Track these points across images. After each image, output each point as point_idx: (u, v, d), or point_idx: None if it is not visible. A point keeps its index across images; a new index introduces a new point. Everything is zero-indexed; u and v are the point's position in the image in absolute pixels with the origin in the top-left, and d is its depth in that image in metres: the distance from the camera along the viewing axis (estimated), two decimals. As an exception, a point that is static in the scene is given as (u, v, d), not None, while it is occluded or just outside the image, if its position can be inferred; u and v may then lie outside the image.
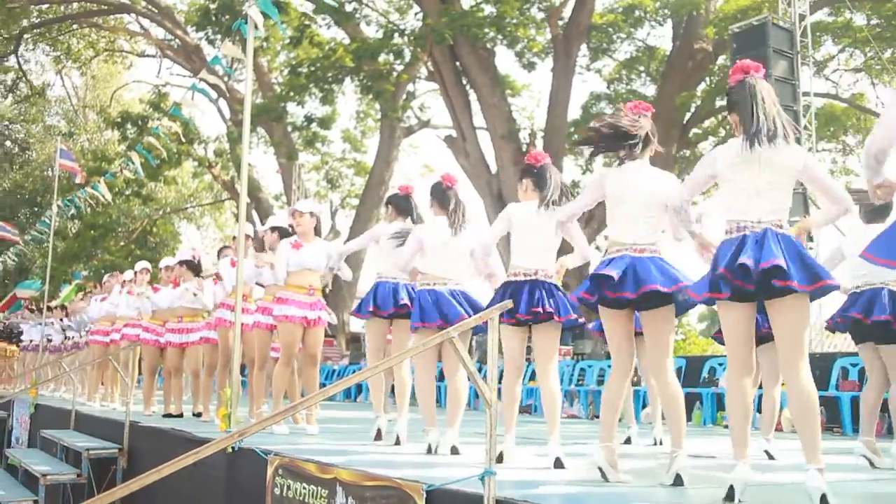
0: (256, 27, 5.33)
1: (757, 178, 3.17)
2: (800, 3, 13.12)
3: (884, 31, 17.39)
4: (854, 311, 4.80)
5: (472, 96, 20.41)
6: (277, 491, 3.86)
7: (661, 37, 24.76)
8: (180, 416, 7.78)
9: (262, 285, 7.24)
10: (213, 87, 20.49)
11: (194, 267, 8.12)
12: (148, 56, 30.23)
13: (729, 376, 3.22)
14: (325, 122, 23.45)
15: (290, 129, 23.52)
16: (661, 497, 3.25)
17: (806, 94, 13.03)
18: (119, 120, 24.81)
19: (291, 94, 21.46)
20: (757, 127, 3.18)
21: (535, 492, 3.25)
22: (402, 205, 5.68)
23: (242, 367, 6.95)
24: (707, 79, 19.72)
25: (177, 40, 25.23)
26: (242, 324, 7.01)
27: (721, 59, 19.00)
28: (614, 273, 3.51)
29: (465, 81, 20.39)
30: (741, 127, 3.28)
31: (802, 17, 13.12)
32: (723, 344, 3.49)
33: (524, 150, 19.79)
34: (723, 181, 3.28)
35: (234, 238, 7.34)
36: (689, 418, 7.77)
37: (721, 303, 3.22)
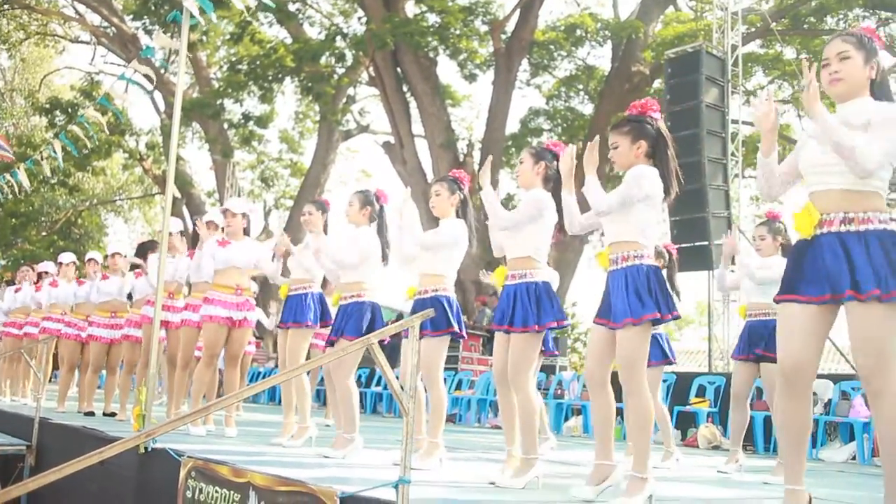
0: (193, 17, 5.22)
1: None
2: (733, 34, 13.54)
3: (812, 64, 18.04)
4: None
5: (413, 104, 20.44)
6: (189, 494, 3.77)
7: (600, 57, 25.21)
8: (112, 414, 7.58)
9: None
10: (148, 78, 20.02)
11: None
12: (82, 42, 29.34)
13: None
14: (263, 121, 23.15)
15: (226, 125, 23.15)
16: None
17: (735, 121, 13.44)
18: (48, 106, 24.02)
19: (229, 90, 21.14)
20: (673, 191, 3.56)
21: (450, 502, 3.26)
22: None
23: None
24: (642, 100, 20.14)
25: (113, 28, 24.58)
26: (170, 322, 6.90)
27: (657, 83, 19.47)
28: None
29: (405, 88, 20.41)
30: (647, 161, 3.55)
31: (735, 48, 13.54)
32: None
33: (461, 160, 19.90)
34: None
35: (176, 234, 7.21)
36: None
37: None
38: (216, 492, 3.55)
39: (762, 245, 5.35)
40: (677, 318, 3.54)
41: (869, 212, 2.80)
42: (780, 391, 2.92)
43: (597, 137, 3.62)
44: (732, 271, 6.02)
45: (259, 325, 12.30)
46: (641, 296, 3.36)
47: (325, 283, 6.39)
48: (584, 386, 10.29)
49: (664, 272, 5.92)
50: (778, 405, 2.95)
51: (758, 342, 5.29)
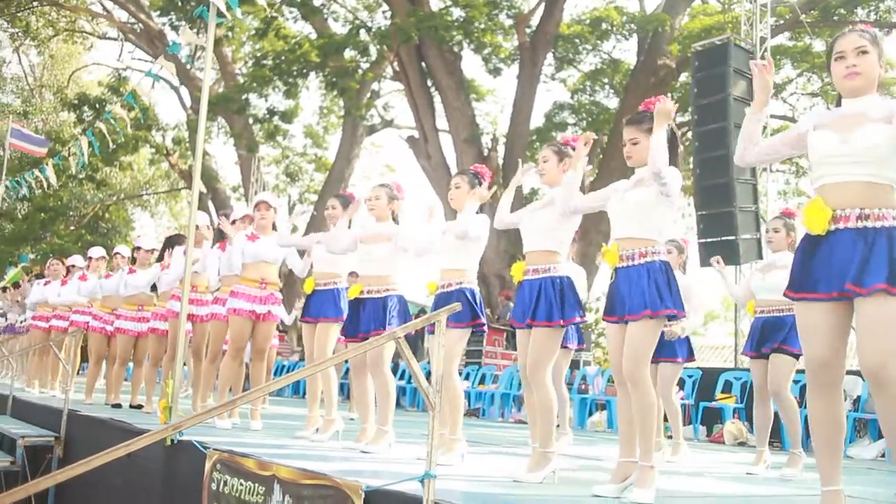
0: (219, 14, 5.24)
1: None
2: (761, 26, 13.36)
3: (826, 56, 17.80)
4: None
5: (437, 98, 20.42)
6: (214, 486, 3.79)
7: (626, 51, 25.07)
8: (138, 406, 7.65)
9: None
10: (176, 74, 20.16)
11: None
12: (109, 38, 29.67)
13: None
14: (288, 116, 23.26)
15: (251, 121, 23.28)
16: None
17: (763, 115, 13.26)
18: (76, 102, 24.31)
19: (254, 85, 21.25)
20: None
21: (474, 496, 3.25)
22: None
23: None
24: (669, 94, 20.00)
25: (140, 24, 24.81)
26: (197, 315, 6.95)
27: (683, 77, 19.29)
28: None
29: (430, 83, 20.39)
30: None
31: (763, 40, 13.36)
32: None
33: (486, 154, 19.87)
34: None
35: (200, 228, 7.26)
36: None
37: None
38: (241, 484, 3.56)
39: (775, 238, 5.36)
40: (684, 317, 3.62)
41: (884, 208, 2.76)
42: (809, 390, 2.87)
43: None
44: None
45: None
46: (661, 291, 3.38)
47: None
48: (609, 381, 10.24)
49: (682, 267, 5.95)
50: (808, 405, 2.89)
51: (769, 338, 5.24)
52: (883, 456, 7.55)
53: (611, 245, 3.60)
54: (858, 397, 8.08)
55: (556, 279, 3.97)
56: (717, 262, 6.02)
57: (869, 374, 2.69)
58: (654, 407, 3.40)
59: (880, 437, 7.72)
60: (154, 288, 7.98)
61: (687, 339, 5.90)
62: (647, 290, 3.38)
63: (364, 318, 5.01)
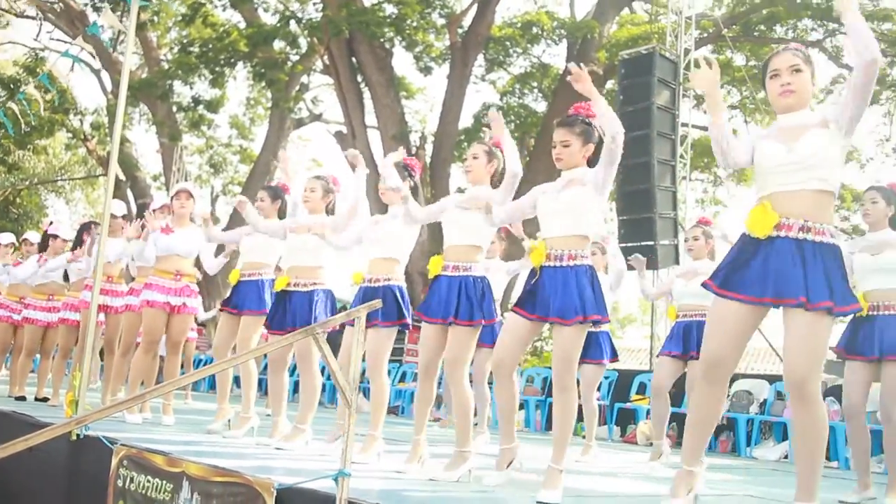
0: (142, -2, 5.09)
1: None
2: (685, 38, 13.72)
3: (760, 72, 18.36)
4: None
5: (367, 95, 20.28)
6: (120, 483, 3.67)
7: (555, 55, 25.38)
8: (44, 399, 7.36)
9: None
10: (94, 56, 19.45)
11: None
12: (27, 17, 28.47)
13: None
14: (213, 106, 22.74)
15: (174, 108, 22.69)
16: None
17: (685, 124, 13.64)
18: (-12, 81, 23.28)
19: (179, 72, 20.71)
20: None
21: (390, 494, 3.23)
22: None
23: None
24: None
25: (60, 3, 23.91)
26: (111, 306, 6.75)
27: (610, 84, 19.64)
28: None
29: (360, 79, 20.24)
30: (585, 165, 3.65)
31: (687, 52, 13.72)
32: None
33: (414, 152, 19.84)
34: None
35: (123, 217, 7.05)
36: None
37: None
38: (148, 481, 3.46)
39: (695, 246, 5.54)
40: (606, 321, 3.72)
41: (824, 223, 2.86)
42: (700, 378, 2.99)
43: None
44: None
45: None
46: (591, 296, 3.42)
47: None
48: (528, 381, 10.35)
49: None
50: (695, 390, 3.02)
51: (689, 342, 5.41)
52: (786, 457, 7.84)
53: (537, 242, 3.62)
54: (765, 400, 8.38)
55: (478, 279, 3.99)
56: (637, 259, 6.09)
57: (792, 386, 2.79)
58: (575, 411, 3.47)
59: (784, 439, 8.02)
60: (66, 277, 7.72)
61: (610, 339, 6.01)
62: (576, 295, 3.41)
63: (290, 312, 4.91)
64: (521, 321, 3.55)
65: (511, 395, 3.71)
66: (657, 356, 5.74)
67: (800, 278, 2.79)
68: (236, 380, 7.43)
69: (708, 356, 2.96)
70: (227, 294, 5.69)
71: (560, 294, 3.43)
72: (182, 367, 9.57)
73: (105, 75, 24.71)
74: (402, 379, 11.99)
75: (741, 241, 3.01)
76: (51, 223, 8.31)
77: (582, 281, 3.44)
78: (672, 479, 3.11)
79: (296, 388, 11.29)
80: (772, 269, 2.85)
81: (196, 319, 10.58)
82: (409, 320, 4.58)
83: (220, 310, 5.78)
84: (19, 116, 6.99)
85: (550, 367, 3.78)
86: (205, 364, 15.08)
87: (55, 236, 7.80)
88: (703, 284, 3.04)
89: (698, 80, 3.13)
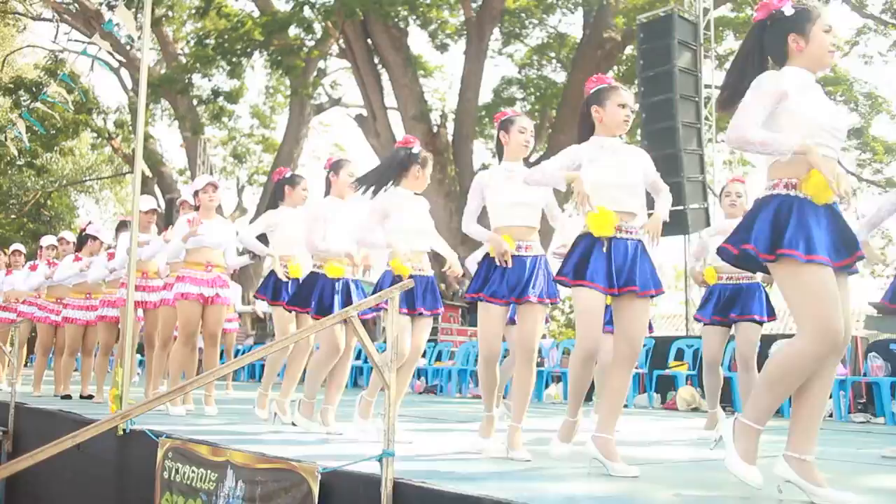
0: (156, -8, 5.09)
1: None
2: (704, -3, 13.47)
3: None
4: None
5: (384, 76, 20.22)
6: (166, 475, 3.72)
7: (572, 24, 25.14)
8: (89, 396, 7.48)
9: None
10: (115, 55, 19.52)
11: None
12: (44, 20, 28.69)
13: None
14: (233, 97, 22.85)
15: (195, 102, 22.81)
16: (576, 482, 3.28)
17: (707, 86, 13.41)
18: (11, 85, 23.53)
19: (197, 65, 20.80)
20: None
21: (434, 473, 3.23)
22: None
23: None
24: (615, 67, 20.10)
25: (75, 4, 24.05)
26: (148, 302, 6.82)
27: (629, 49, 19.39)
28: None
29: (376, 60, 20.18)
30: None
31: (706, 11, 13.48)
32: None
33: (435, 131, 19.78)
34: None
35: (151, 212, 7.09)
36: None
37: None
38: (193, 472, 3.50)
39: (737, 202, 5.42)
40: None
41: None
42: (828, 359, 2.71)
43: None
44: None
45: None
46: (654, 270, 3.50)
47: None
48: (564, 353, 10.33)
49: None
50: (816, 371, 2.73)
51: (730, 307, 5.33)
52: (831, 416, 7.76)
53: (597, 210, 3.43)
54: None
55: (543, 257, 3.98)
56: None
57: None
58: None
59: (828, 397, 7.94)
60: None
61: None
62: (647, 269, 3.45)
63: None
64: (597, 297, 3.42)
65: (590, 375, 3.66)
66: (702, 325, 5.58)
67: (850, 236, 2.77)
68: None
69: (836, 333, 2.66)
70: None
71: (632, 267, 3.42)
72: (223, 357, 9.71)
73: (125, 73, 24.88)
74: (439, 358, 12.02)
75: (806, 207, 2.73)
76: (89, 223, 8.39)
77: (644, 255, 3.48)
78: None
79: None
80: (840, 232, 2.76)
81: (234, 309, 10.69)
82: (439, 310, 4.56)
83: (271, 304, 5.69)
84: (49, 117, 7.05)
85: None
86: (242, 354, 15.24)
87: (94, 238, 7.86)
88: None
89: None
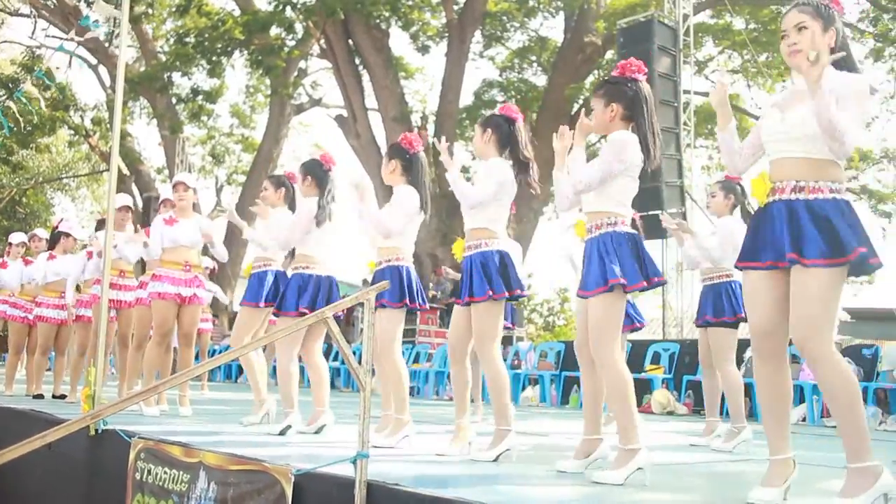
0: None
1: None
2: (684, 4, 13.58)
3: (760, 35, 18.22)
4: None
5: (365, 77, 20.19)
6: (138, 476, 3.68)
7: (553, 28, 25.30)
8: (61, 396, 7.39)
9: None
10: (92, 51, 19.33)
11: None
12: (21, 15, 28.35)
13: None
14: (212, 96, 22.70)
15: (174, 100, 22.65)
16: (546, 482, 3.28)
17: (686, 91, 13.53)
18: (-14, 81, 23.24)
19: (177, 63, 20.65)
20: (652, 158, 3.38)
21: (408, 476, 3.23)
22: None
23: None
24: (595, 72, 20.20)
25: (53, 0, 23.81)
26: (123, 301, 6.76)
27: (609, 54, 19.48)
28: None
29: (358, 61, 20.14)
30: (624, 126, 3.41)
31: (686, 17, 13.59)
32: None
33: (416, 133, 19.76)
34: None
35: (125, 209, 7.01)
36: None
37: None
38: (165, 473, 3.46)
39: (712, 202, 5.34)
40: (658, 284, 3.41)
41: (821, 181, 2.75)
42: (754, 358, 2.88)
43: (582, 112, 3.52)
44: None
45: (215, 301, 12.12)
46: (612, 262, 3.26)
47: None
48: (541, 356, 10.35)
49: None
50: (756, 376, 2.88)
51: (705, 308, 5.29)
52: (804, 419, 7.84)
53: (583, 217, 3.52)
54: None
55: (489, 253, 3.92)
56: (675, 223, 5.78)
57: (797, 346, 2.73)
58: (626, 385, 3.31)
59: (802, 402, 8.01)
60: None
61: (632, 305, 5.86)
62: (598, 265, 3.30)
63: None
64: (581, 303, 3.46)
65: (595, 380, 3.57)
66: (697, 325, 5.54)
67: (788, 237, 2.72)
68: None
69: (753, 332, 2.84)
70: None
71: (588, 266, 3.38)
72: (198, 358, 9.63)
73: (103, 70, 24.66)
74: (416, 360, 12.01)
75: (755, 212, 2.93)
76: (61, 220, 8.29)
77: (608, 248, 3.36)
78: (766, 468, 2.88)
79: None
80: (769, 233, 2.79)
81: (212, 309, 10.63)
82: (410, 301, 4.49)
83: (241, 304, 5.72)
84: (19, 115, 6.95)
85: (563, 342, 3.71)
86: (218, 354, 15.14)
87: (67, 234, 7.78)
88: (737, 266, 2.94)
89: (712, 98, 2.96)
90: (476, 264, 3.89)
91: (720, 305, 5.11)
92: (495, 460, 3.72)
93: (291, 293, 4.87)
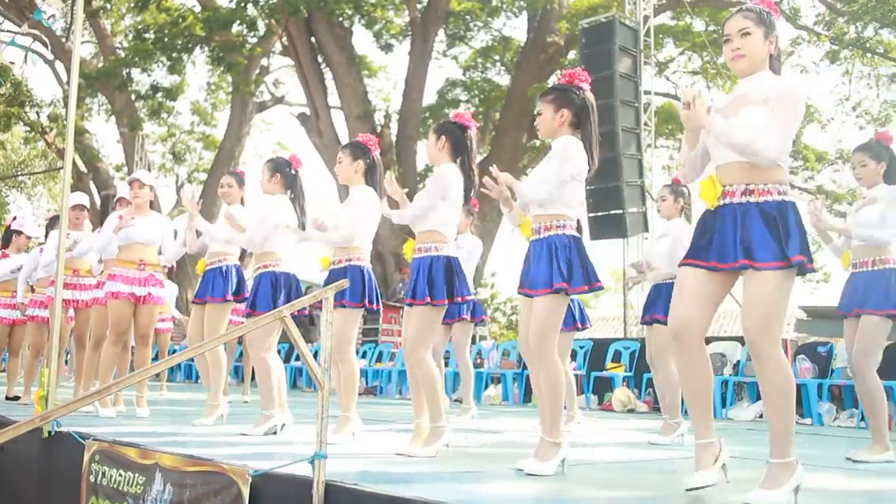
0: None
1: None
2: (644, 5, 13.70)
3: (720, 37, 18.39)
4: None
5: (328, 75, 20.09)
6: (93, 478, 3.61)
7: (516, 28, 25.36)
8: (15, 398, 7.23)
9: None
10: (44, 44, 18.94)
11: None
12: (-26, 9, 27.76)
13: None
14: (173, 93, 22.40)
15: (133, 97, 22.31)
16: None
17: (647, 92, 13.65)
18: (-62, 76, 22.66)
19: (136, 59, 20.35)
20: (592, 164, 3.55)
21: (367, 475, 3.21)
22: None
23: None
24: (558, 72, 20.31)
25: (8, -7, 23.31)
26: (79, 300, 6.64)
27: (571, 54, 19.62)
28: None
29: (320, 59, 20.03)
30: (571, 132, 3.59)
31: (647, 19, 13.72)
32: None
33: (378, 131, 19.71)
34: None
35: (80, 207, 6.87)
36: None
37: None
38: (120, 475, 3.40)
39: (663, 206, 5.45)
40: (598, 288, 3.51)
41: (769, 183, 2.81)
42: (673, 351, 2.96)
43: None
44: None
45: (180, 301, 11.96)
46: (560, 265, 3.37)
47: (242, 255, 6.20)
48: (504, 355, 10.38)
49: None
50: (676, 365, 2.98)
51: (655, 306, 5.34)
52: (761, 416, 7.95)
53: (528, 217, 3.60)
54: (738, 362, 8.48)
55: (437, 258, 3.93)
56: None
57: (748, 345, 2.80)
58: (560, 381, 3.45)
59: (758, 399, 8.13)
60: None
61: (579, 307, 5.94)
62: (546, 266, 3.40)
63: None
64: (524, 300, 3.53)
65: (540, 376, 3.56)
66: (643, 322, 5.61)
67: (739, 241, 2.77)
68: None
69: (670, 324, 2.91)
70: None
71: (535, 266, 3.47)
72: (158, 358, 9.49)
73: (60, 66, 24.20)
74: (379, 359, 11.97)
75: (702, 214, 2.98)
76: (14, 218, 8.12)
77: (556, 250, 3.46)
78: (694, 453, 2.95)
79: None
80: (719, 236, 2.84)
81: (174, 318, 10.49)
82: (367, 302, 4.50)
83: (193, 302, 5.70)
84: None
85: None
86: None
87: (19, 232, 7.63)
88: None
89: (687, 116, 2.90)
90: (423, 268, 3.90)
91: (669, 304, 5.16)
92: (434, 456, 3.79)
93: (264, 292, 4.82)
